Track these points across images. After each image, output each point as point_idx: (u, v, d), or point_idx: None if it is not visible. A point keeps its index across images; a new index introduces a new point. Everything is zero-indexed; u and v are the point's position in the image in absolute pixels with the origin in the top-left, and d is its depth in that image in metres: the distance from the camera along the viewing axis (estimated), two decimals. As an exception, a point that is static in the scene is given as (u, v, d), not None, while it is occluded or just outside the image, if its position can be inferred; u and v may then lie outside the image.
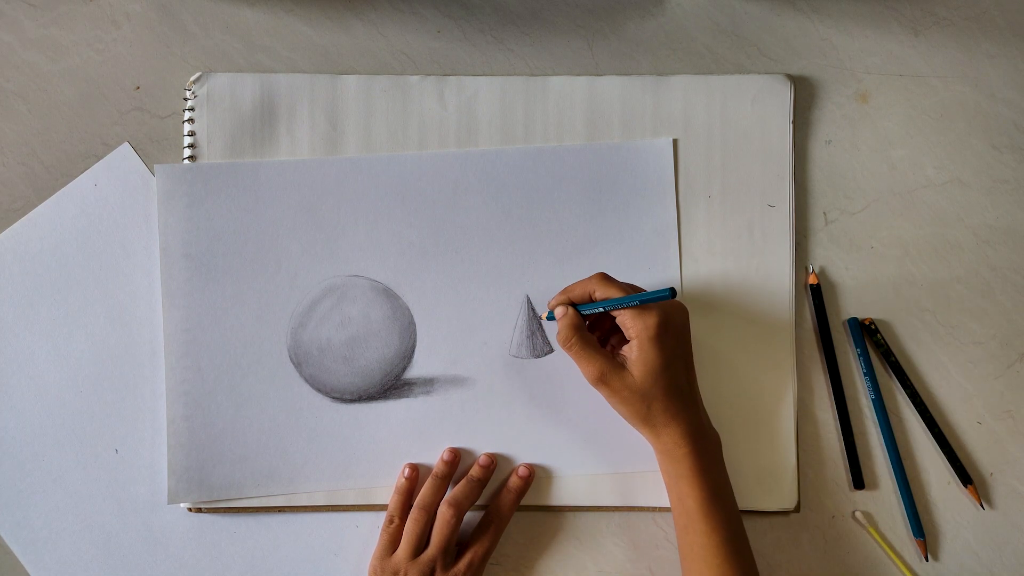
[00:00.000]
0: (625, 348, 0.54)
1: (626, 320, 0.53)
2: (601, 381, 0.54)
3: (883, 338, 0.62)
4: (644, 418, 0.54)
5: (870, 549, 0.61)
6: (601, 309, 0.55)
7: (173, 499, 0.60)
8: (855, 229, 0.63)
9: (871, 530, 0.61)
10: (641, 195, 0.62)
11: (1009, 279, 0.63)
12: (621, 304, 0.54)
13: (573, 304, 0.56)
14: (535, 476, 0.60)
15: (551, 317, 0.57)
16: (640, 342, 0.53)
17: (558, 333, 0.55)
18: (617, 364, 0.53)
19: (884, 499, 0.61)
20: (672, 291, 0.51)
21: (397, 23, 0.64)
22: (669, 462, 0.55)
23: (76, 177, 0.63)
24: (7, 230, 0.62)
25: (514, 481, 0.60)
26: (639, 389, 0.53)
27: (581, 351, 0.54)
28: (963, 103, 0.64)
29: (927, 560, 0.61)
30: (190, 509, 0.60)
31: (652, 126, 0.63)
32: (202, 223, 0.61)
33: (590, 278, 0.56)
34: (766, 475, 0.60)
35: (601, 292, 0.55)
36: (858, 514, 0.61)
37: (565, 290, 0.56)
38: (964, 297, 0.63)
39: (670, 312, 0.54)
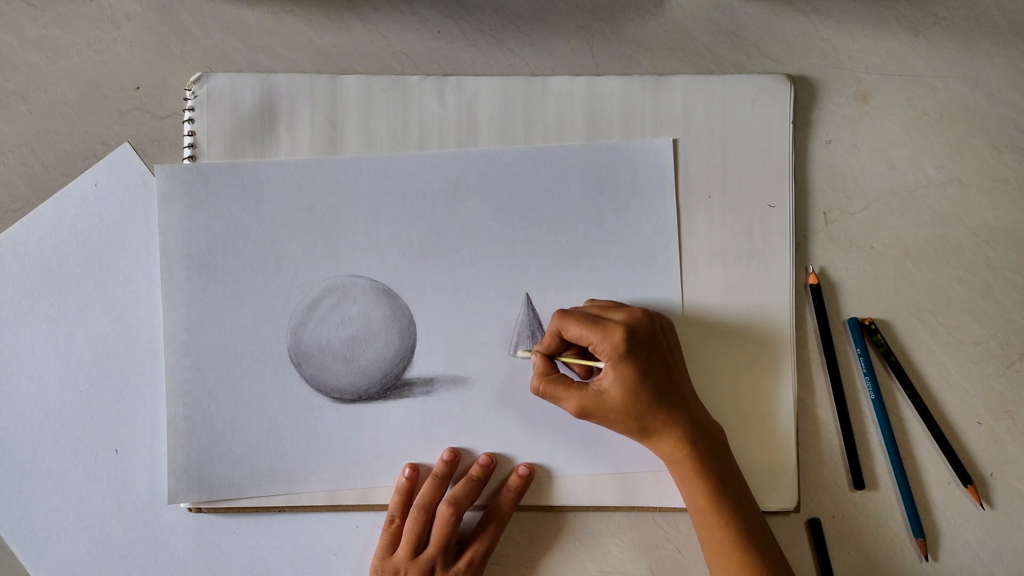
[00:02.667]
0: (600, 373, 0.55)
1: (596, 346, 0.54)
2: (583, 414, 0.55)
3: (883, 338, 0.62)
4: (638, 431, 0.55)
5: (870, 549, 0.61)
6: (566, 361, 0.58)
7: (173, 499, 0.60)
8: (855, 229, 0.63)
9: (871, 530, 0.61)
10: (641, 195, 0.62)
11: (1009, 279, 0.63)
12: (577, 357, 0.57)
13: (545, 354, 0.57)
14: (535, 476, 0.60)
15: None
16: (612, 363, 0.53)
17: (529, 385, 0.57)
18: (593, 392, 0.54)
19: (884, 499, 0.61)
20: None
21: (397, 23, 0.64)
22: (672, 465, 0.55)
23: (76, 177, 0.62)
24: (7, 230, 0.62)
25: (514, 480, 0.60)
26: (623, 408, 0.54)
27: (553, 393, 0.56)
28: (963, 103, 0.64)
29: (927, 560, 0.61)
30: (190, 509, 0.60)
31: (652, 126, 0.63)
32: (202, 223, 0.61)
33: (552, 319, 0.57)
34: (766, 475, 0.60)
35: (563, 326, 0.55)
36: (855, 512, 0.61)
37: (538, 344, 0.58)
38: (964, 297, 0.63)
39: (635, 324, 0.54)
